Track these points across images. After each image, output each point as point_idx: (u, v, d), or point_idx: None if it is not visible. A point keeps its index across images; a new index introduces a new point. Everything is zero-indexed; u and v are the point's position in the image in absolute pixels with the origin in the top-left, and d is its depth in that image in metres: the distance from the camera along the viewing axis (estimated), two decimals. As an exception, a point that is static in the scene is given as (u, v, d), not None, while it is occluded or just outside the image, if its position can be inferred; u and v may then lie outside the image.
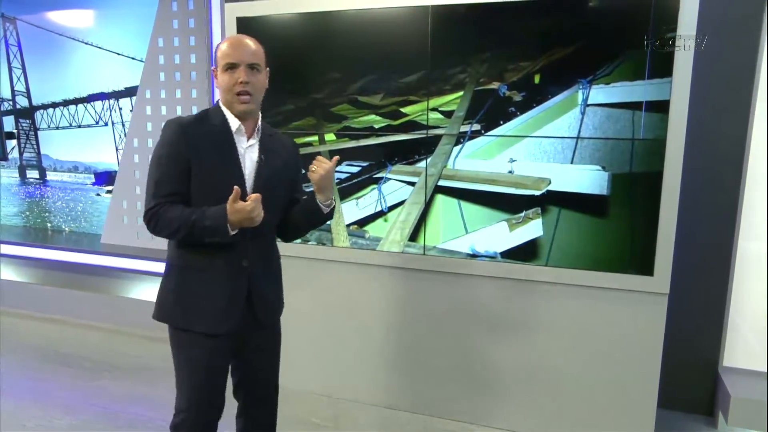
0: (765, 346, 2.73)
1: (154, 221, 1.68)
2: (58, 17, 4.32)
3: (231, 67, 1.69)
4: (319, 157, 1.80)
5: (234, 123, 1.74)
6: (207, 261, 1.74)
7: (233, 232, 1.67)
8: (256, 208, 1.64)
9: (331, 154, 2.81)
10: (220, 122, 1.74)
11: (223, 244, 1.71)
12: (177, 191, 1.69)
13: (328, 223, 2.85)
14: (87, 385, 3.17)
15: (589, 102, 2.37)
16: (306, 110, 2.82)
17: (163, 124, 1.73)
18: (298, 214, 1.91)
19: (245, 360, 1.89)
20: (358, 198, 2.80)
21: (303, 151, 2.86)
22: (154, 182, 1.70)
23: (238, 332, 1.81)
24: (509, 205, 2.54)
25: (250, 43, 1.74)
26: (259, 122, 1.81)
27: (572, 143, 2.42)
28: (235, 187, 1.62)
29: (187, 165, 1.69)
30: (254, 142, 1.79)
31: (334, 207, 1.90)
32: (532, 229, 2.52)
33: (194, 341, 1.76)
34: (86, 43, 4.25)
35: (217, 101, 1.79)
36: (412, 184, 2.69)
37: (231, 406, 1.93)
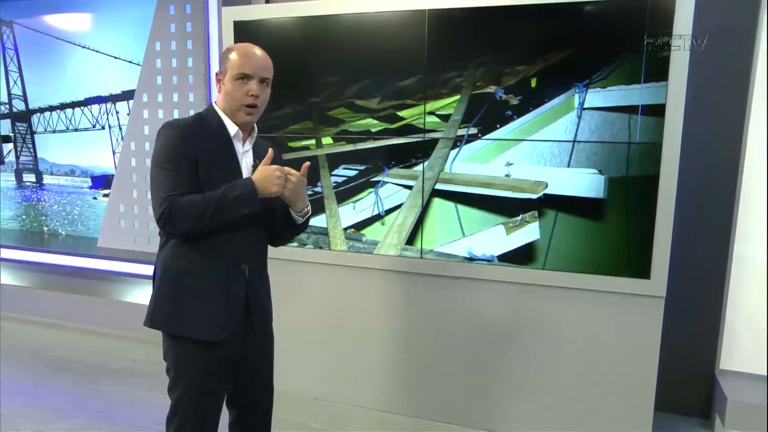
0: (764, 349, 2.73)
1: (168, 213, 1.60)
2: (55, 21, 4.32)
3: (244, 77, 1.68)
4: (287, 170, 1.72)
5: (232, 128, 1.74)
6: (206, 265, 1.70)
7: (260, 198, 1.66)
8: (282, 172, 1.67)
9: (329, 157, 2.82)
10: (218, 126, 1.73)
11: (223, 248, 1.69)
12: (187, 190, 1.63)
13: (324, 226, 2.86)
14: (83, 389, 3.15)
15: (585, 106, 2.38)
16: (303, 114, 2.83)
17: (159, 128, 1.69)
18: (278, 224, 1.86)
19: (242, 369, 1.83)
20: (355, 201, 2.80)
21: (300, 155, 2.86)
22: (161, 183, 1.63)
23: (235, 340, 1.76)
24: (506, 208, 2.54)
25: (264, 56, 1.74)
26: (255, 128, 1.82)
27: (569, 147, 2.43)
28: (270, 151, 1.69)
29: (194, 164, 1.65)
30: (249, 147, 1.80)
31: (309, 214, 1.85)
32: (529, 232, 2.52)
33: (195, 348, 1.70)
34: (83, 47, 4.25)
35: (212, 104, 1.78)
36: (409, 187, 2.69)
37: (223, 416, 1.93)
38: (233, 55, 1.70)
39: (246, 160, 1.78)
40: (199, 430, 1.76)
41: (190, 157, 1.65)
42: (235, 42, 2.80)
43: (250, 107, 1.70)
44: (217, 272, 1.71)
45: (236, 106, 1.70)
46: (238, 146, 1.76)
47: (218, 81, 1.74)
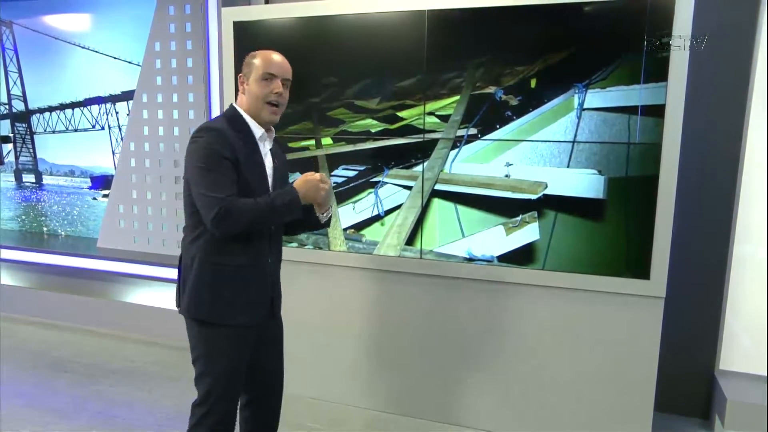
0: (764, 349, 2.73)
1: (224, 214, 1.67)
2: (54, 21, 4.32)
3: (269, 77, 1.80)
4: (321, 176, 1.83)
5: (258, 130, 1.84)
6: (239, 258, 1.81)
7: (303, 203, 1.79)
8: (323, 179, 1.79)
9: (329, 158, 2.82)
10: (244, 128, 1.82)
11: (252, 241, 1.82)
12: (233, 192, 1.71)
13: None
14: (83, 389, 3.15)
15: (585, 106, 2.38)
16: (303, 114, 2.83)
17: (195, 131, 1.76)
18: (299, 224, 1.99)
19: (257, 351, 1.95)
20: (354, 202, 2.80)
21: (300, 155, 2.86)
22: (212, 183, 1.69)
23: (259, 324, 1.90)
24: (506, 208, 2.54)
25: (285, 60, 1.88)
26: (273, 130, 1.93)
27: (568, 147, 2.43)
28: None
29: (234, 166, 1.73)
30: (270, 147, 1.90)
31: (331, 215, 2.00)
32: (529, 232, 2.52)
33: (229, 334, 1.82)
34: (83, 47, 4.25)
35: (233, 108, 1.85)
36: (409, 188, 2.69)
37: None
38: (257, 59, 1.82)
39: (268, 161, 1.88)
40: (228, 412, 1.87)
41: (230, 159, 1.72)
42: (235, 43, 2.82)
43: (273, 105, 1.82)
44: (249, 264, 1.83)
45: (260, 106, 1.81)
46: (263, 148, 1.86)
47: (241, 83, 1.85)
